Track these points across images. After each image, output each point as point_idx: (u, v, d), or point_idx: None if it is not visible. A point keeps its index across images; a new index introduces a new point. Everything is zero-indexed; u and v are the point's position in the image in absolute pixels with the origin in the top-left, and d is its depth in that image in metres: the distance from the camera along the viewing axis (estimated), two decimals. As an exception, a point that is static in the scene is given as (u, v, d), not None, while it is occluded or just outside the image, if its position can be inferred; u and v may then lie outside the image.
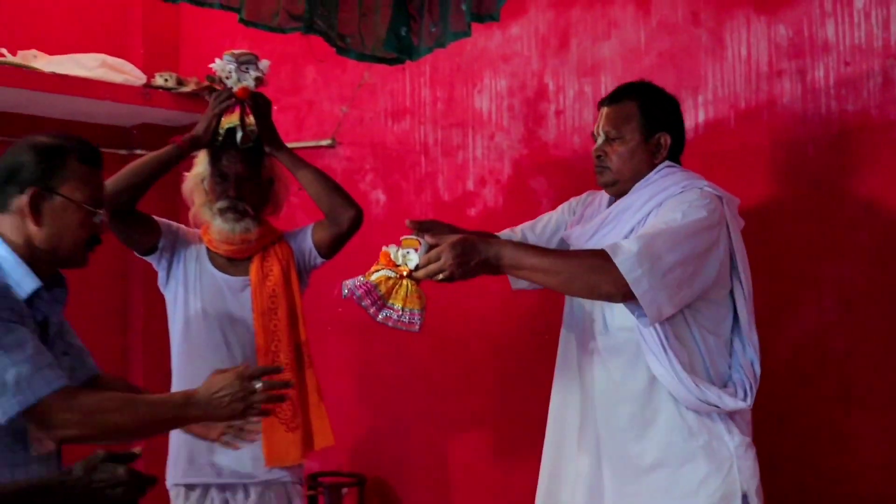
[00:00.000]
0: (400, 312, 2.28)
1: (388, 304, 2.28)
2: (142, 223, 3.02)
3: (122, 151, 4.81)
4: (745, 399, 2.42)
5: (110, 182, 2.87)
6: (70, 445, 2.10)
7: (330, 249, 3.10)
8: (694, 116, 3.23)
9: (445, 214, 3.83)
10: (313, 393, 3.04)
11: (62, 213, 2.12)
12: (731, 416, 2.41)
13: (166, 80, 4.54)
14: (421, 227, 2.33)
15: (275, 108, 4.30)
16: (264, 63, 3.02)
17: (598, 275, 2.28)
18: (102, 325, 4.65)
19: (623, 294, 2.30)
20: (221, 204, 3.00)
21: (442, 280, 2.25)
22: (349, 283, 2.32)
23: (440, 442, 3.89)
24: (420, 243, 2.26)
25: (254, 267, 3.04)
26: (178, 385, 3.05)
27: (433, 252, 2.24)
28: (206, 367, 2.97)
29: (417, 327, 2.28)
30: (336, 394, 4.05)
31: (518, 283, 2.72)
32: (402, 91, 4.00)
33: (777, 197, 3.08)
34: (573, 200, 2.84)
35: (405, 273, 2.25)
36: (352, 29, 2.87)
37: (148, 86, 4.50)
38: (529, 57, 3.69)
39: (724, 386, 2.44)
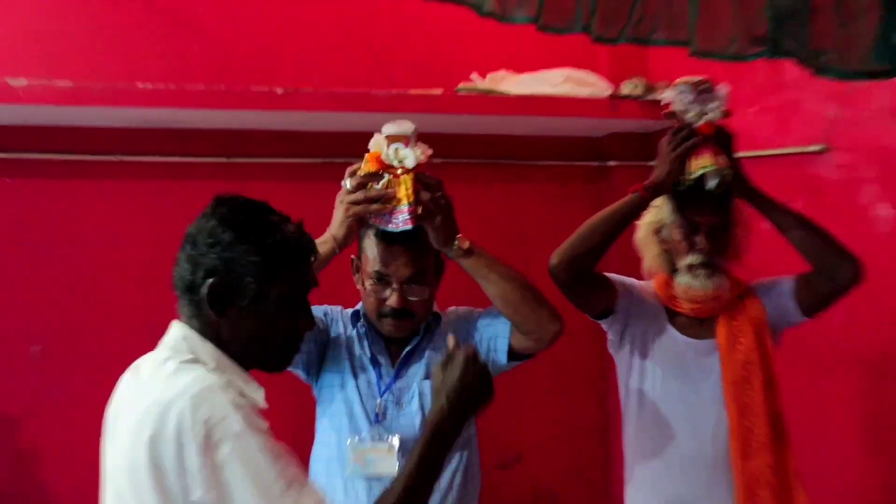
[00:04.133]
0: (407, 208, 2.22)
1: (398, 208, 2.23)
2: (598, 284, 2.68)
3: (594, 163, 4.61)
4: None
5: (568, 245, 2.61)
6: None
7: (819, 308, 2.62)
8: None
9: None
10: (793, 476, 2.58)
11: None
12: None
13: (635, 86, 4.22)
14: None
15: (752, 109, 3.84)
16: (723, 89, 2.58)
17: None
18: (582, 395, 4.57)
19: None
20: (693, 259, 2.60)
21: None
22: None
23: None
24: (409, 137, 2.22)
25: (721, 328, 2.62)
26: (631, 462, 2.74)
27: None
28: (666, 439, 2.64)
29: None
30: (838, 452, 3.46)
31: None
32: (907, 83, 3.25)
33: None
34: None
35: (400, 172, 2.23)
36: (829, 42, 2.30)
37: (615, 96, 4.22)
38: None
39: None
